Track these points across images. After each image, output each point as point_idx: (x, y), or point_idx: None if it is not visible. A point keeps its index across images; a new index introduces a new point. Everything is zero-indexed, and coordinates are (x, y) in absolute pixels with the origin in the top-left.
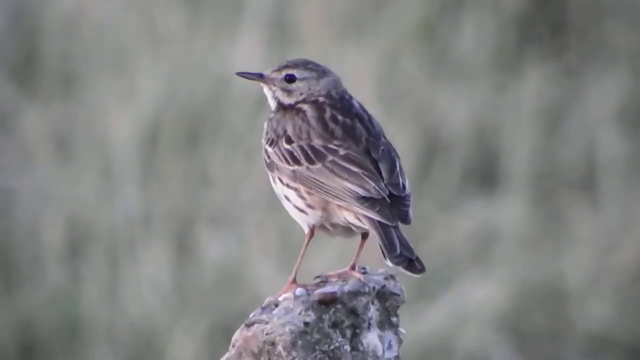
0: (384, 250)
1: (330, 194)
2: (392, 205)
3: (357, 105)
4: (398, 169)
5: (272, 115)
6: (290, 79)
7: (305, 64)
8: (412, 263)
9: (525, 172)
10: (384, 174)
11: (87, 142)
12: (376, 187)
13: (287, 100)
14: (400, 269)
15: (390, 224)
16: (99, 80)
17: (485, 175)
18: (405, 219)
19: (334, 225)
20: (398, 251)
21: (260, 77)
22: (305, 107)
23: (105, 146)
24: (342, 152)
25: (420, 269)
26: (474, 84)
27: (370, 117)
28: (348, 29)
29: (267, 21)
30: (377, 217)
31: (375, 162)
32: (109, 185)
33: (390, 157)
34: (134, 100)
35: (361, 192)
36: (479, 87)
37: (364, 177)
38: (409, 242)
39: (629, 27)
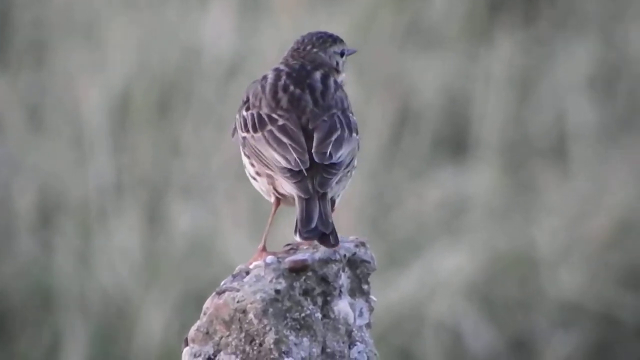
0: (298, 224)
1: (263, 162)
2: (317, 175)
3: (317, 77)
4: (333, 138)
5: None
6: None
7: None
8: (325, 237)
9: (496, 141)
10: (315, 143)
11: (58, 111)
12: (297, 158)
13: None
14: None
15: (304, 195)
16: (70, 49)
17: (456, 143)
18: (323, 186)
19: (281, 194)
20: (313, 225)
21: None
22: (269, 74)
23: (77, 115)
24: (280, 122)
25: (333, 244)
26: (445, 52)
27: (325, 90)
28: None
29: None
30: (294, 188)
31: (311, 133)
32: (80, 154)
33: (330, 128)
34: (105, 69)
35: (283, 162)
36: (449, 55)
37: (290, 148)
38: (329, 216)
39: None
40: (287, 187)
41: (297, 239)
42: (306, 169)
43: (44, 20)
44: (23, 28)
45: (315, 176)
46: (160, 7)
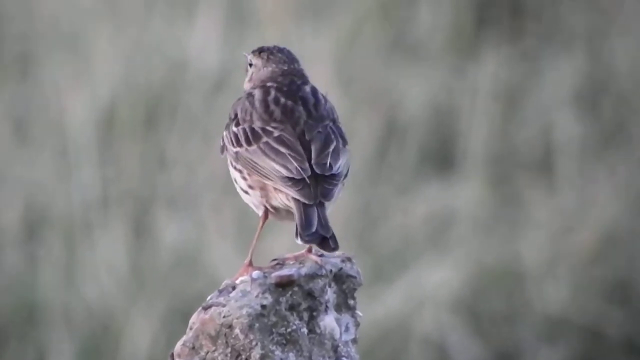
0: (299, 228)
1: (261, 173)
2: (317, 184)
3: (307, 90)
4: (330, 149)
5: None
6: (250, 64)
7: (269, 50)
8: (325, 240)
9: (481, 155)
10: (313, 155)
11: (44, 124)
12: (298, 167)
13: (246, 86)
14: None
15: (308, 202)
16: (55, 62)
17: (442, 157)
18: (326, 196)
19: (274, 208)
20: (313, 229)
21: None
22: (255, 91)
23: (62, 128)
24: (276, 133)
25: (333, 247)
26: (432, 66)
27: (317, 102)
28: (305, 10)
29: (224, 3)
30: (297, 195)
31: (308, 144)
32: (65, 167)
33: (326, 139)
34: (91, 82)
35: (284, 171)
36: (436, 69)
37: (289, 157)
38: (328, 221)
39: (585, 10)
40: (282, 199)
41: (299, 242)
42: (308, 177)
43: (30, 33)
44: (8, 40)
45: (315, 186)
46: (146, 20)
